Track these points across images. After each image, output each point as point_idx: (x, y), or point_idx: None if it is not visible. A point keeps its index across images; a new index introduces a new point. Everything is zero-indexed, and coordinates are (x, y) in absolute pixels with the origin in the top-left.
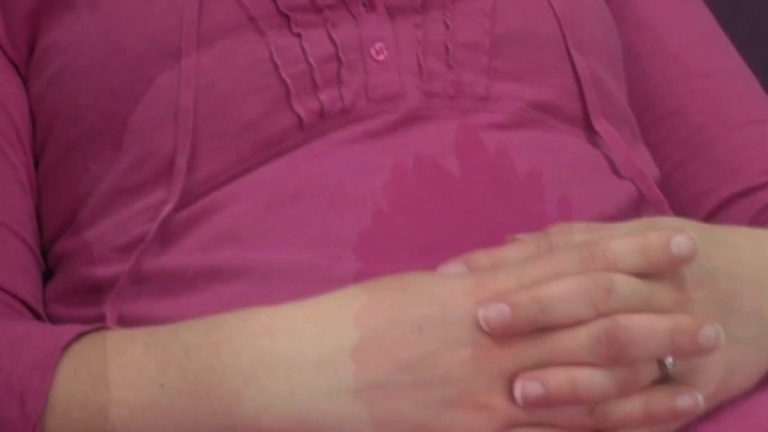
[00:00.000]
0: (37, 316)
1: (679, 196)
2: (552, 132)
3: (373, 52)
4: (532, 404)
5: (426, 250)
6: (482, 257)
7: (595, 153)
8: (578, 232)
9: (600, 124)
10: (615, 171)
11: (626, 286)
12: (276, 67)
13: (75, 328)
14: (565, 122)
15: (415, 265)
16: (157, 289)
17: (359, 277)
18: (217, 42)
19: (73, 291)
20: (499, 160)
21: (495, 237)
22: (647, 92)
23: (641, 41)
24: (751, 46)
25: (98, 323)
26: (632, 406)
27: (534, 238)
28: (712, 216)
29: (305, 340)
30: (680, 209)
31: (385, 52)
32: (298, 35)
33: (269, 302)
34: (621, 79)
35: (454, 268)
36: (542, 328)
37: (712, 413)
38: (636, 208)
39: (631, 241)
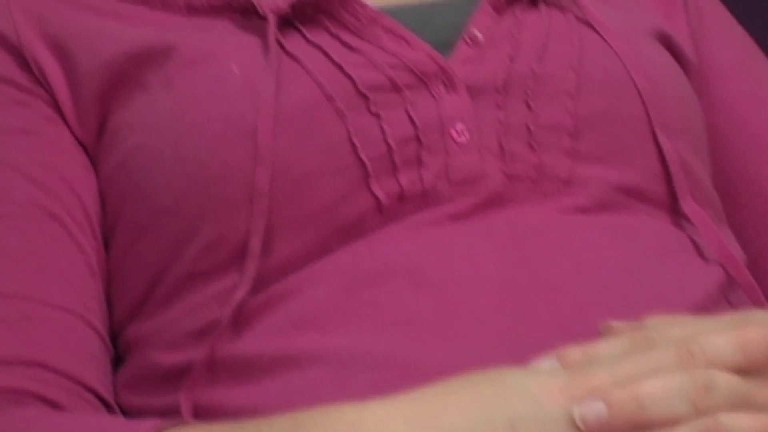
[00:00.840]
0: (108, 407)
1: (762, 282)
2: (637, 215)
3: (453, 133)
4: None
5: (509, 332)
6: (575, 352)
7: (681, 236)
8: (674, 326)
9: (689, 207)
10: (701, 254)
11: (725, 383)
12: (354, 148)
13: (151, 423)
14: (649, 205)
15: (498, 348)
16: (232, 376)
17: (440, 366)
18: (294, 122)
19: (144, 379)
20: (583, 243)
21: (580, 318)
22: (729, 173)
23: (722, 120)
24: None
25: (172, 414)
26: None
27: (628, 330)
28: None
29: None
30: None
31: (466, 134)
32: (377, 115)
33: (349, 391)
34: (705, 161)
35: (546, 363)
36: (638, 427)
37: None
38: (725, 292)
39: (729, 337)
